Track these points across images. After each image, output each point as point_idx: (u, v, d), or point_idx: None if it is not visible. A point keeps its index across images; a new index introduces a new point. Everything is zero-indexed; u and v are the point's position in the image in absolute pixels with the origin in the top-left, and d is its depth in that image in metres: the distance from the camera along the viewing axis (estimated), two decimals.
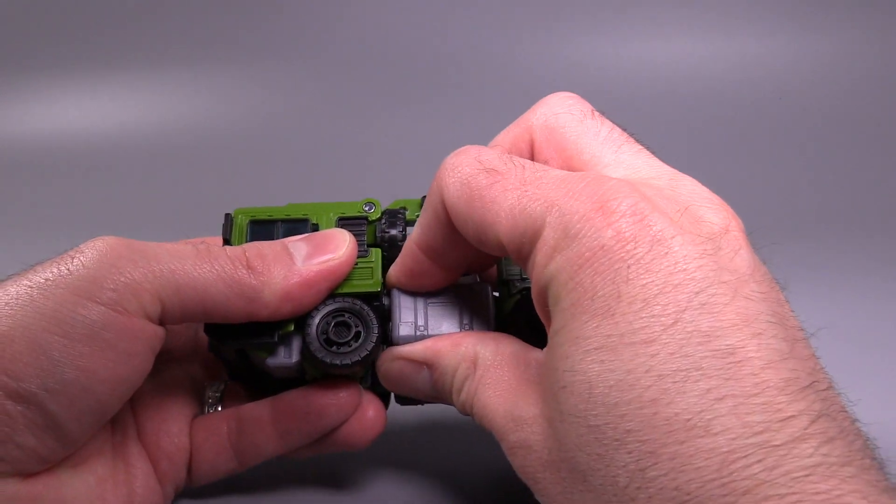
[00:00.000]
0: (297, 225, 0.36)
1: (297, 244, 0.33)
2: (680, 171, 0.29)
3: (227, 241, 0.36)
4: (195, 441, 0.36)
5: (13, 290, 0.28)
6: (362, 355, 0.34)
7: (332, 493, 0.40)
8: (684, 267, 0.22)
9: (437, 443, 0.43)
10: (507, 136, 0.33)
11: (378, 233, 0.37)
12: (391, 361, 0.34)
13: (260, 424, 0.35)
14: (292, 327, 0.34)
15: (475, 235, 0.29)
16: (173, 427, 0.35)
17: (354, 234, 0.36)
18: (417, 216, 0.36)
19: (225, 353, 0.36)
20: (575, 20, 0.95)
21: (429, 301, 0.35)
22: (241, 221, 0.36)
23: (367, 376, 0.37)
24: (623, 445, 0.21)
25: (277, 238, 0.35)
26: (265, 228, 0.36)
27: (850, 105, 0.86)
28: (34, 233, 0.74)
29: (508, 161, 0.28)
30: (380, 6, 0.98)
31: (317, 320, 0.34)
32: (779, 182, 0.79)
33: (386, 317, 0.35)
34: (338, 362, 0.33)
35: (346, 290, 0.35)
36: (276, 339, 0.33)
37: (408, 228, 0.37)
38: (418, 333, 0.34)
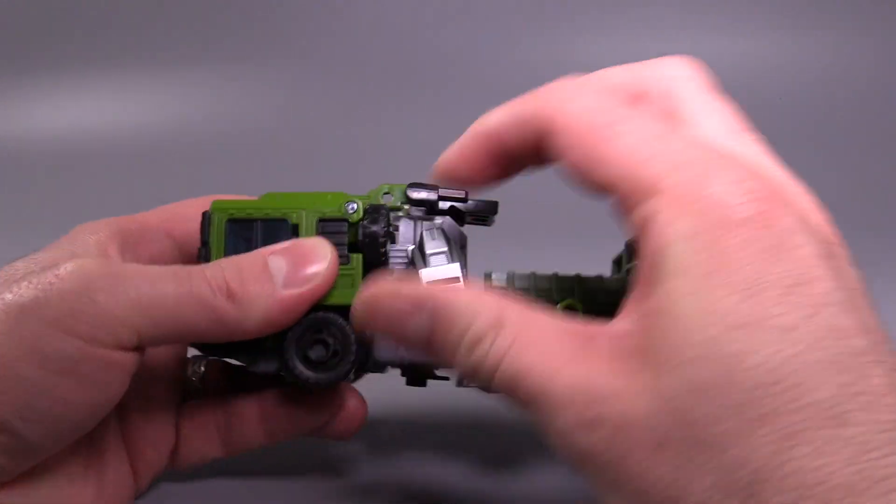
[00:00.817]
0: (277, 225, 0.35)
1: (278, 261, 0.32)
2: None
3: (204, 243, 0.35)
4: (183, 430, 0.37)
5: None
6: (339, 375, 0.34)
7: (321, 476, 0.41)
8: (815, 264, 0.24)
9: (429, 425, 0.44)
10: (617, 75, 0.32)
11: (360, 231, 0.35)
12: (386, 295, 0.30)
13: (247, 420, 0.37)
14: (269, 342, 0.34)
15: (579, 166, 0.28)
16: (159, 415, 0.37)
17: (335, 238, 0.35)
18: (402, 204, 0.36)
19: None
20: (575, 20, 0.95)
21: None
22: (219, 221, 0.35)
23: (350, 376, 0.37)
24: (763, 425, 0.22)
25: (256, 241, 0.35)
26: (243, 229, 0.35)
27: (850, 105, 0.86)
28: (34, 232, 0.74)
29: (637, 107, 0.28)
30: (379, 6, 0.98)
31: (295, 338, 0.34)
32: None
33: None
34: (313, 381, 0.34)
35: (325, 301, 0.34)
36: (251, 358, 0.34)
37: (393, 218, 0.36)
38: (399, 355, 0.35)
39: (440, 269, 0.34)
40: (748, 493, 0.21)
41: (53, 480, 0.32)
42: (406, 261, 0.37)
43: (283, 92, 0.96)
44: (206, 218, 0.36)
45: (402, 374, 0.38)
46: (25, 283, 0.29)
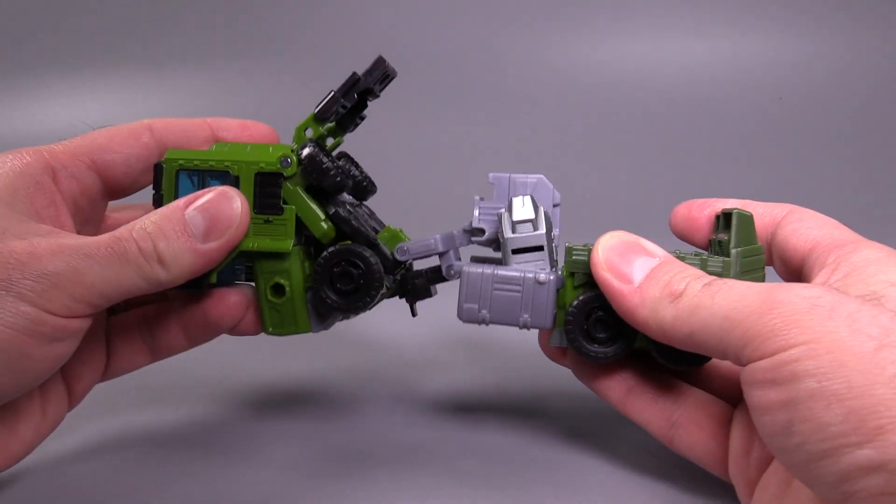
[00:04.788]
0: (220, 176, 0.39)
1: (195, 217, 0.37)
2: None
3: (158, 191, 0.39)
4: (113, 344, 0.42)
5: None
6: (375, 290, 0.39)
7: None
8: None
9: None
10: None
11: (307, 177, 0.39)
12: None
13: (169, 330, 0.42)
14: (215, 278, 0.39)
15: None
16: (92, 338, 0.41)
17: (269, 191, 0.39)
18: (323, 129, 0.40)
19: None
20: (575, 21, 0.95)
21: (495, 285, 0.37)
22: (170, 171, 0.39)
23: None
24: None
25: (204, 186, 0.39)
26: (191, 179, 0.39)
27: (850, 105, 0.87)
28: None
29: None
30: (380, 6, 0.98)
31: (323, 283, 0.39)
32: (778, 181, 0.80)
33: (367, 239, 0.39)
34: (361, 304, 0.39)
35: (257, 247, 0.38)
36: (204, 289, 0.39)
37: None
38: (480, 316, 0.37)
39: (526, 237, 0.37)
40: None
41: (6, 415, 0.37)
42: (494, 220, 0.39)
43: (284, 92, 0.95)
44: (158, 168, 0.40)
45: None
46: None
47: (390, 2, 0.99)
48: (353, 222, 0.39)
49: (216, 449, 0.44)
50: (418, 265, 0.43)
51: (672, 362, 0.37)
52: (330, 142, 0.43)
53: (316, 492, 0.39)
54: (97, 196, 0.41)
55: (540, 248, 0.37)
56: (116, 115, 0.96)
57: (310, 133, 0.40)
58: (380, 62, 0.40)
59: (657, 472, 0.40)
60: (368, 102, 0.42)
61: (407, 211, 0.46)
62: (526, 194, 0.38)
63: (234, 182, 0.39)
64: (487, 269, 0.37)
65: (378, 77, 0.40)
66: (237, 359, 0.54)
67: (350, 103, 0.40)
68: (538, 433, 0.44)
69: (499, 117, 0.91)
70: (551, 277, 0.37)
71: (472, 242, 0.40)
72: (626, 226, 0.41)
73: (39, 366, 0.35)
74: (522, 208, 0.37)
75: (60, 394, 0.40)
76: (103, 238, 0.35)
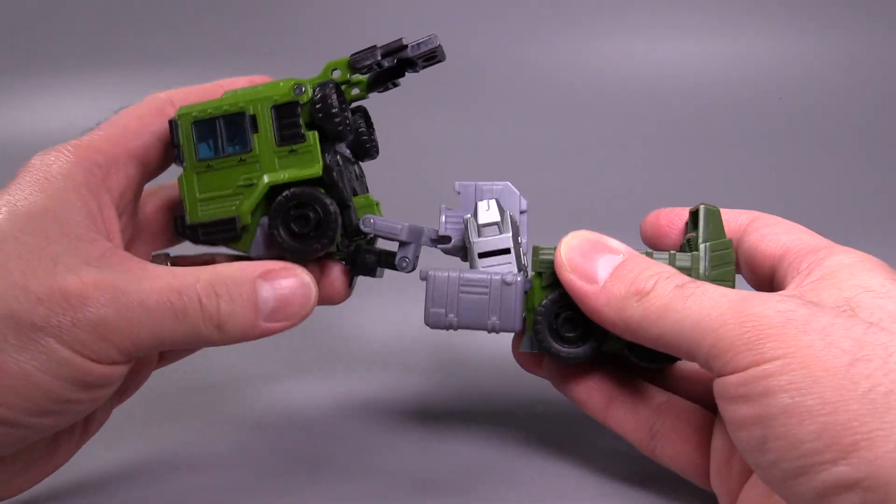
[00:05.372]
0: (236, 118, 0.39)
1: (268, 295, 0.35)
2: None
3: (176, 146, 0.39)
4: None
5: (4, 328, 0.31)
6: (323, 243, 0.37)
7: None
8: None
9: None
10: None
11: (312, 111, 0.38)
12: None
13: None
14: (250, 219, 0.38)
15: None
16: None
17: (288, 121, 0.38)
18: (350, 76, 0.39)
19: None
20: (575, 21, 0.95)
21: (461, 288, 0.36)
22: (185, 125, 0.39)
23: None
24: None
25: (221, 137, 0.38)
26: (208, 128, 0.39)
27: (850, 106, 0.86)
28: None
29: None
30: (382, 7, 0.98)
31: (278, 219, 0.38)
32: (778, 182, 0.79)
33: (341, 197, 0.38)
34: (307, 251, 0.37)
35: (289, 177, 0.38)
36: (238, 233, 0.38)
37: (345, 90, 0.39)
38: (447, 320, 0.37)
39: (492, 239, 0.37)
40: None
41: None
42: (461, 227, 0.39)
43: None
44: (173, 125, 0.39)
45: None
46: (35, 302, 0.31)
47: (390, 2, 0.99)
48: (335, 174, 0.39)
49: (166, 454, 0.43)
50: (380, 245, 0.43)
51: (644, 360, 0.37)
52: (355, 92, 0.43)
53: (264, 498, 0.38)
54: (139, 185, 0.40)
55: (506, 252, 0.37)
56: None
57: (337, 75, 0.40)
58: (431, 39, 0.39)
59: (631, 480, 0.40)
60: (407, 73, 0.42)
61: (396, 206, 0.46)
62: (488, 202, 0.38)
63: (252, 121, 0.39)
64: (454, 273, 0.37)
65: (425, 53, 0.40)
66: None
67: (388, 65, 0.40)
68: (506, 441, 0.44)
69: (495, 118, 0.91)
70: (518, 279, 0.36)
71: (439, 249, 0.40)
72: (622, 228, 0.41)
73: (76, 408, 0.34)
74: (488, 212, 0.37)
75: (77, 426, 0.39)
76: (164, 287, 0.33)
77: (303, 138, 0.38)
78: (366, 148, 0.43)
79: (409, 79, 0.43)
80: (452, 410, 0.49)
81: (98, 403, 0.35)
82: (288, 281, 0.36)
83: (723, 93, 0.90)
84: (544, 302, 0.36)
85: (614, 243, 0.35)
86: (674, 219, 0.41)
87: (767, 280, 0.37)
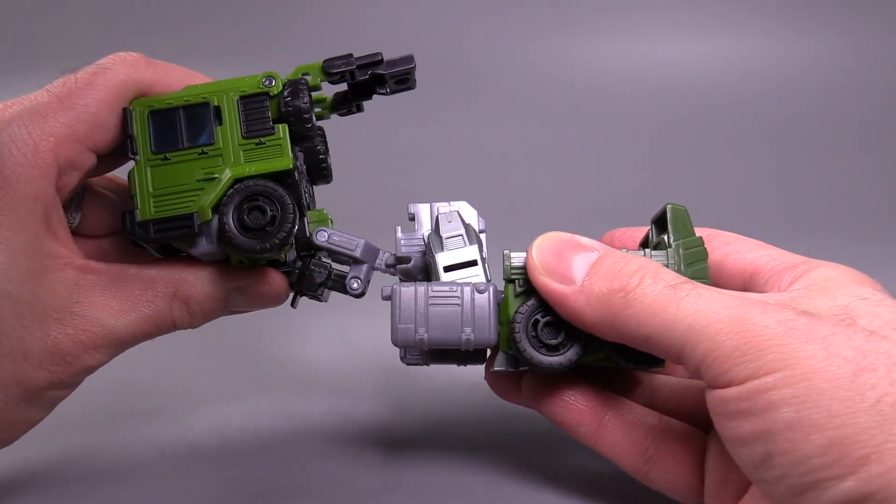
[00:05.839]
0: (199, 110, 0.37)
1: (237, 300, 0.38)
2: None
3: (129, 136, 0.37)
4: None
5: (13, 396, 0.35)
6: (281, 237, 0.35)
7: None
8: None
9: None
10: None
11: (282, 106, 0.36)
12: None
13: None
14: (210, 215, 0.36)
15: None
16: None
17: (256, 112, 0.37)
18: (321, 81, 0.38)
19: (148, 245, 0.38)
20: (576, 21, 0.95)
21: (430, 301, 0.34)
22: (141, 114, 0.37)
23: (293, 262, 0.39)
24: None
25: (181, 129, 0.36)
26: (166, 119, 0.36)
27: (849, 106, 0.86)
28: None
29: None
30: (383, 8, 0.98)
31: (231, 209, 0.35)
32: (778, 182, 0.79)
33: (299, 199, 0.37)
34: (258, 247, 0.35)
35: (255, 170, 0.36)
36: (196, 230, 0.36)
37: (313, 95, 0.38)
38: (417, 337, 0.34)
39: (457, 252, 0.35)
40: None
41: None
42: (422, 245, 0.37)
43: None
44: (127, 113, 0.37)
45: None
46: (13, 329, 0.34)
47: (389, 2, 0.99)
48: (297, 175, 0.37)
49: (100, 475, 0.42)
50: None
51: (632, 362, 0.35)
52: (317, 110, 0.41)
53: None
54: (91, 174, 0.38)
55: (474, 263, 0.35)
56: None
57: (308, 78, 0.38)
58: (407, 60, 0.38)
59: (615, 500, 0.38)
60: (374, 95, 0.40)
61: (378, 213, 0.45)
62: (450, 213, 0.37)
63: (216, 112, 0.37)
64: (420, 286, 0.34)
65: (399, 73, 0.38)
66: (133, 371, 0.49)
67: (360, 77, 0.38)
68: (473, 467, 0.41)
69: (493, 117, 0.91)
70: (491, 285, 0.34)
71: (397, 273, 0.38)
72: (620, 227, 0.40)
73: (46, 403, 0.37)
74: (450, 224, 0.35)
75: None
76: (145, 305, 0.36)
77: (271, 130, 0.36)
78: (321, 169, 0.42)
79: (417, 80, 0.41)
80: (413, 435, 0.46)
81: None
82: (261, 281, 0.39)
83: (721, 93, 0.90)
84: (521, 309, 0.34)
85: (588, 241, 0.33)
86: (626, 240, 0.40)
87: None
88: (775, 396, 0.26)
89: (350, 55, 0.38)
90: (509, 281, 0.35)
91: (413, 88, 0.39)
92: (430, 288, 0.34)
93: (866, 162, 0.82)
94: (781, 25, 0.93)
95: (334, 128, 0.43)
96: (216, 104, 0.37)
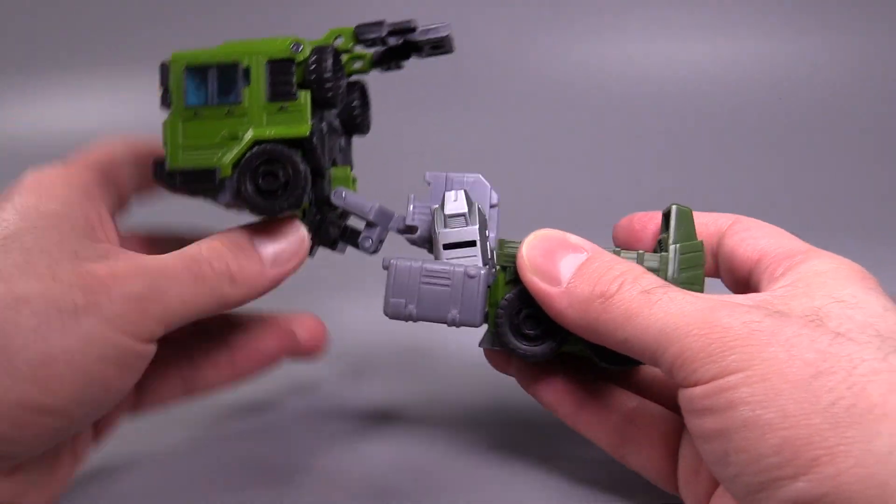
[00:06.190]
0: (229, 69, 0.38)
1: (266, 247, 0.37)
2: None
3: (166, 88, 0.39)
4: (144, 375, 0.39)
5: (43, 309, 0.31)
6: (290, 201, 0.36)
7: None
8: None
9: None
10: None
11: (306, 73, 0.38)
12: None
13: (213, 357, 0.41)
14: (230, 172, 0.37)
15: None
16: None
17: (282, 77, 0.38)
18: (352, 47, 0.39)
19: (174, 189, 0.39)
20: (576, 21, 0.95)
21: (423, 279, 0.36)
22: (177, 69, 0.39)
23: (313, 215, 0.40)
24: None
25: (212, 86, 0.38)
26: (200, 75, 0.38)
27: (850, 106, 0.86)
28: None
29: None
30: (384, 8, 0.98)
31: (248, 170, 0.37)
32: (778, 182, 0.79)
33: (317, 164, 0.37)
34: (268, 208, 0.37)
35: (275, 134, 0.37)
36: (216, 184, 0.37)
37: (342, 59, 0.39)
38: (406, 311, 0.36)
39: (458, 230, 0.36)
40: None
41: (48, 455, 0.35)
42: (429, 218, 0.38)
43: None
44: (164, 67, 0.39)
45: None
46: (71, 289, 0.32)
47: (389, 2, 0.99)
48: (315, 140, 0.38)
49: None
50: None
51: (607, 362, 0.36)
52: (357, 65, 0.42)
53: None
54: (117, 208, 0.40)
55: (472, 244, 0.36)
56: (117, 115, 0.97)
57: (339, 42, 0.39)
58: (442, 28, 0.39)
59: (599, 485, 0.39)
60: (413, 57, 0.41)
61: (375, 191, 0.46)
62: (457, 192, 0.38)
63: (245, 74, 0.38)
64: (416, 263, 0.36)
65: (433, 40, 0.40)
66: None
67: (393, 43, 0.40)
68: (471, 446, 0.43)
69: (493, 118, 0.91)
70: (482, 272, 0.36)
71: (405, 238, 0.40)
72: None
73: (112, 397, 0.34)
74: (455, 202, 0.36)
75: (88, 430, 0.39)
76: (178, 258, 0.35)
77: (294, 96, 0.38)
78: (356, 124, 0.43)
79: (407, 74, 0.43)
80: (415, 413, 0.47)
81: (125, 392, 0.35)
82: (278, 231, 0.38)
83: (722, 92, 0.90)
84: (507, 296, 0.36)
85: (578, 240, 0.34)
86: (647, 222, 0.40)
87: (744, 284, 0.37)
88: (735, 395, 0.27)
89: (382, 21, 0.39)
90: (503, 267, 0.37)
91: (450, 52, 0.41)
92: (423, 266, 0.36)
93: (867, 162, 0.82)
94: (782, 25, 0.93)
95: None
96: (246, 66, 0.38)
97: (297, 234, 0.38)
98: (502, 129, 0.90)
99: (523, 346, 0.36)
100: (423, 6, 1.04)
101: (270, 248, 0.37)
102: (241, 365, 0.42)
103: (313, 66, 0.37)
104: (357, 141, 0.46)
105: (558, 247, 0.34)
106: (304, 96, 0.37)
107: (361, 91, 0.44)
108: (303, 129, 0.37)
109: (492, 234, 0.38)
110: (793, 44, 0.93)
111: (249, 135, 0.38)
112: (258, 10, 1.00)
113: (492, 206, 0.38)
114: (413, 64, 0.43)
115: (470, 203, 0.37)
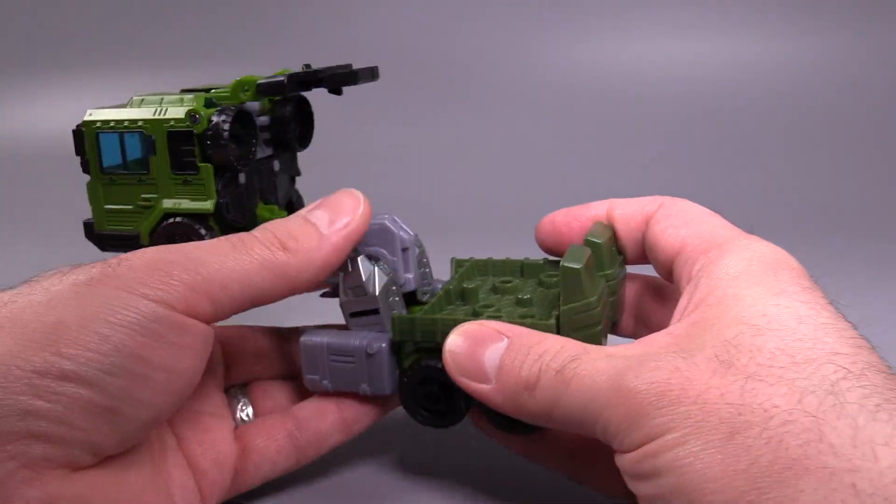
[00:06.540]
0: (136, 139, 0.38)
1: (316, 213, 0.35)
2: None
3: (83, 155, 0.38)
4: (252, 444, 0.37)
5: (58, 287, 0.30)
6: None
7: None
8: None
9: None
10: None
11: (203, 144, 0.37)
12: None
13: (322, 414, 0.38)
14: (148, 240, 0.38)
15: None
16: (217, 434, 0.37)
17: (184, 150, 0.37)
18: (257, 95, 0.38)
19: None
20: (576, 21, 0.95)
21: (331, 357, 0.36)
22: (91, 135, 0.38)
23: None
24: None
25: (124, 150, 0.38)
26: (111, 141, 0.38)
27: (850, 106, 0.86)
28: (34, 232, 0.74)
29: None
30: (384, 8, 0.98)
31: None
32: (778, 182, 0.79)
33: (231, 224, 0.37)
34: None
35: (182, 208, 0.37)
36: (139, 245, 0.38)
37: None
38: (323, 386, 0.36)
39: (357, 300, 0.36)
40: None
41: (125, 483, 0.32)
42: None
43: None
44: (78, 133, 0.39)
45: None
46: (88, 265, 0.31)
47: (388, 2, 0.99)
48: (228, 205, 0.38)
49: None
50: None
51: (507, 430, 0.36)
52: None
53: None
54: None
55: (375, 312, 0.36)
56: None
57: (231, 113, 0.37)
58: (345, 77, 0.39)
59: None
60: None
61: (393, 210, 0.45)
62: (367, 246, 0.37)
63: (151, 144, 0.38)
64: (322, 340, 0.36)
65: (336, 85, 0.40)
66: None
67: (291, 93, 0.40)
68: (382, 468, 0.41)
69: (494, 117, 0.91)
70: (383, 345, 0.35)
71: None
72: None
73: (161, 376, 0.30)
74: (350, 273, 0.36)
75: (188, 488, 0.35)
76: (223, 238, 0.33)
77: (196, 169, 0.37)
78: (286, 139, 0.41)
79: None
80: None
81: (185, 375, 0.32)
82: (329, 198, 0.36)
83: (721, 93, 0.90)
84: (412, 369, 0.36)
85: (498, 326, 0.33)
86: (571, 221, 0.39)
87: (669, 275, 0.35)
88: (660, 462, 0.26)
89: (283, 83, 0.38)
90: (399, 342, 0.36)
91: (357, 84, 0.41)
92: (329, 344, 0.36)
93: (870, 161, 0.82)
94: (784, 26, 0.93)
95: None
96: (149, 135, 0.38)
97: (351, 195, 0.35)
98: (502, 130, 0.90)
99: (423, 416, 0.36)
100: (424, 6, 1.04)
101: (321, 213, 0.35)
102: (349, 421, 0.39)
103: (210, 141, 0.36)
104: (360, 144, 0.46)
105: (478, 343, 0.33)
106: (206, 170, 0.37)
107: (298, 104, 0.42)
108: (207, 205, 0.37)
109: (409, 275, 0.37)
110: (793, 44, 0.93)
111: (162, 205, 0.38)
112: (258, 11, 1.00)
113: (403, 250, 0.37)
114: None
115: (369, 270, 0.36)
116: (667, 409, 0.27)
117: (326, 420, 0.38)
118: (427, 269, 0.39)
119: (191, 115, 0.37)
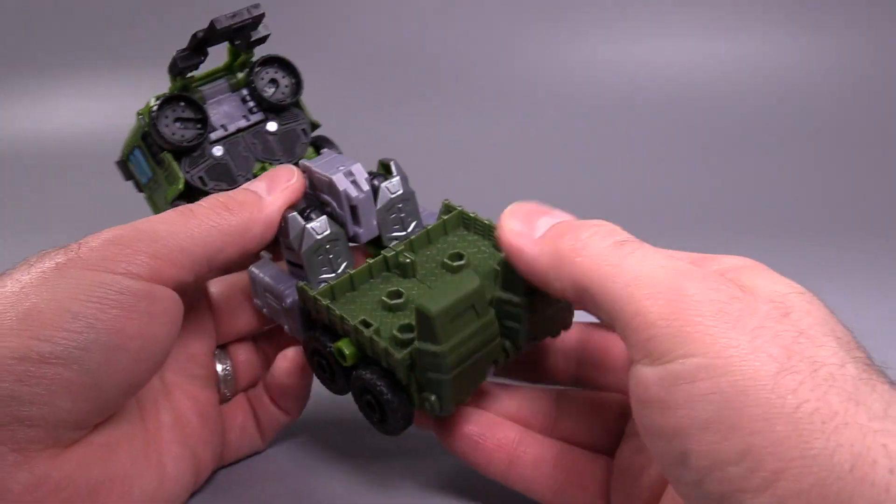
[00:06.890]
0: (136, 155, 0.43)
1: (256, 183, 0.38)
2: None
3: (133, 179, 0.44)
4: (233, 421, 0.40)
5: (27, 276, 0.31)
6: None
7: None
8: None
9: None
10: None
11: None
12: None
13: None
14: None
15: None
16: (208, 400, 0.39)
17: (152, 147, 0.41)
18: (179, 84, 0.41)
19: None
20: (576, 21, 0.95)
21: (265, 292, 0.39)
22: (124, 162, 0.44)
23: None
24: None
25: (137, 171, 0.43)
26: (135, 160, 0.43)
27: (850, 108, 0.86)
28: (34, 232, 0.74)
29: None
30: (381, 8, 0.98)
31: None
32: (778, 184, 0.79)
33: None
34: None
35: (169, 196, 0.40)
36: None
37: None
38: (264, 311, 0.39)
39: (290, 252, 0.38)
40: None
41: (115, 456, 0.33)
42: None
43: None
44: (121, 164, 0.45)
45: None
46: (52, 251, 0.32)
47: (388, 2, 0.99)
48: (203, 178, 0.41)
49: None
50: None
51: (534, 337, 0.35)
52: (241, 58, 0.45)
53: None
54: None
55: (301, 267, 0.37)
56: (119, 116, 0.96)
57: (156, 109, 0.40)
58: (212, 24, 0.42)
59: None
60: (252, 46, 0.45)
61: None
62: (323, 194, 0.39)
63: (143, 151, 0.42)
64: (263, 276, 0.39)
65: (223, 34, 0.43)
66: None
67: (204, 58, 0.42)
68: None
69: (502, 117, 0.91)
70: (294, 299, 0.37)
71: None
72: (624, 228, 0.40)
73: (136, 345, 0.31)
74: (283, 229, 0.38)
75: (182, 460, 0.37)
76: (171, 210, 0.36)
77: (160, 162, 0.41)
78: (270, 103, 0.43)
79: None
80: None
81: (158, 343, 0.33)
82: (268, 171, 0.39)
83: (720, 93, 0.90)
84: (306, 336, 0.37)
85: (558, 211, 0.33)
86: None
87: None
88: (694, 390, 0.24)
89: (175, 61, 0.42)
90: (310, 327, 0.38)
91: (261, 37, 0.45)
92: (265, 281, 0.39)
93: (871, 163, 0.82)
94: (784, 27, 0.92)
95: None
96: (138, 145, 0.42)
97: (287, 168, 0.39)
98: (500, 129, 0.90)
99: (328, 384, 0.38)
100: (423, 6, 1.04)
101: (260, 183, 0.38)
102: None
103: (152, 130, 0.40)
104: (356, 141, 0.46)
105: (537, 212, 0.33)
106: (166, 157, 0.40)
107: (268, 62, 0.45)
108: (178, 186, 0.40)
109: (358, 229, 0.38)
110: (792, 45, 0.92)
111: (168, 198, 0.42)
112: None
113: (353, 207, 0.38)
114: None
115: (297, 228, 0.37)
116: (717, 330, 0.25)
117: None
118: (402, 216, 0.40)
119: (140, 115, 0.41)
